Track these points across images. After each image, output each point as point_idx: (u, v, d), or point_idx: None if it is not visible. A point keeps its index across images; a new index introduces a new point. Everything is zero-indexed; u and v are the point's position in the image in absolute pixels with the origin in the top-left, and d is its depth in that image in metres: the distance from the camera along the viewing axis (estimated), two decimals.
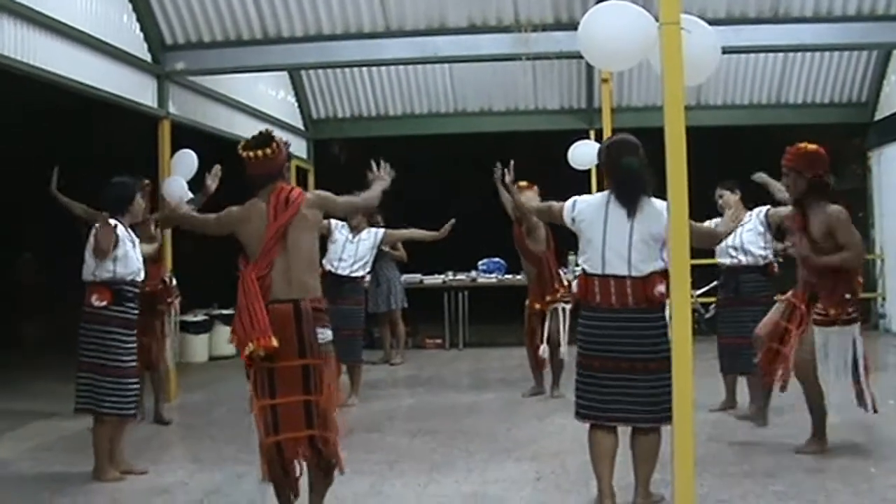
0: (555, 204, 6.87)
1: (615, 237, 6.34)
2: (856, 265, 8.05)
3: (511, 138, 18.57)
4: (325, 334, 6.31)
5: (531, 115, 18.91)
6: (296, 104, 18.89)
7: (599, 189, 12.17)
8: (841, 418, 9.01)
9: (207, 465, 7.99)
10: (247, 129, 15.32)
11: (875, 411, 8.05)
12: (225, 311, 16.37)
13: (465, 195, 18.90)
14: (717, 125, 17.86)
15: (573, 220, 6.58)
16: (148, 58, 12.84)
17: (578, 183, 15.61)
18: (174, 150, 12.00)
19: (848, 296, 7.87)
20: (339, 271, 11.25)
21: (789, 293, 8.23)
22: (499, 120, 18.98)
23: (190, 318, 15.05)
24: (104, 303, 7.86)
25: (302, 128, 19.11)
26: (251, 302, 6.10)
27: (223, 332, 16.29)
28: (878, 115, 18.20)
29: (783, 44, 14.02)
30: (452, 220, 11.80)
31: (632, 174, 6.38)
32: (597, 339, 6.40)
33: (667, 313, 6.36)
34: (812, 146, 8.12)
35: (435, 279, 17.69)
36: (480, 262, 17.59)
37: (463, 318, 16.44)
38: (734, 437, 8.64)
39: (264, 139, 6.42)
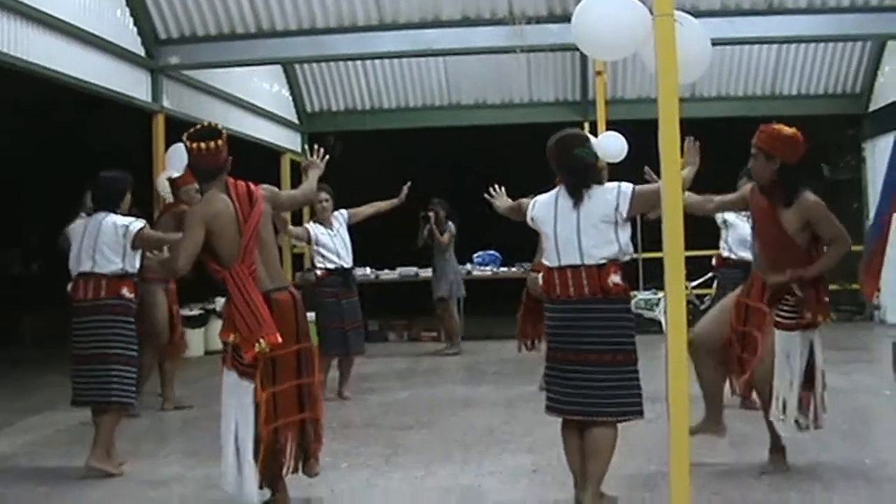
0: (523, 202, 7.00)
1: (565, 227, 6.35)
2: (844, 255, 7.27)
3: (506, 131, 18.59)
4: (310, 317, 6.52)
5: (525, 107, 18.94)
6: (290, 97, 18.91)
7: None
8: (836, 408, 9.04)
9: (204, 458, 7.96)
10: (241, 122, 15.41)
11: (817, 427, 7.14)
12: (220, 305, 16.35)
13: (460, 187, 18.90)
14: (712, 117, 17.87)
15: (532, 219, 6.63)
16: (142, 52, 12.85)
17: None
18: (168, 144, 12.00)
19: (826, 299, 7.25)
20: (346, 265, 11.29)
21: (738, 291, 7.46)
22: (493, 113, 18.99)
23: (185, 312, 15.03)
24: (132, 294, 8.01)
25: (296, 121, 19.11)
26: (251, 298, 6.15)
27: (218, 325, 16.29)
28: (873, 106, 18.24)
29: (777, 35, 14.09)
30: (409, 183, 11.78)
31: (581, 164, 6.42)
32: (557, 330, 6.41)
33: (632, 305, 6.43)
34: (789, 130, 7.17)
35: (430, 272, 17.66)
36: (476, 255, 17.60)
37: (459, 310, 16.43)
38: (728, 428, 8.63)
39: (212, 131, 6.42)
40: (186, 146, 6.42)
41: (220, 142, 6.37)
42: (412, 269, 17.73)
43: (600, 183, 6.44)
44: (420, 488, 7.09)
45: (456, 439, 8.80)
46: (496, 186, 8.05)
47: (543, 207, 6.54)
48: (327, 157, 7.44)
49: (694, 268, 14.32)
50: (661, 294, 15.20)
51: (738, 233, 9.86)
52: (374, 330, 17.50)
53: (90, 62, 11.42)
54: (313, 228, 11.17)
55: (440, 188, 18.04)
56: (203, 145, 6.32)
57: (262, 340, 6.06)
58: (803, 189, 7.04)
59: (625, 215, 6.26)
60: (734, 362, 7.19)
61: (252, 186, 6.50)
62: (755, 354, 6.97)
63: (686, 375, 4.85)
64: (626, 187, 6.34)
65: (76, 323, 7.95)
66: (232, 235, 6.27)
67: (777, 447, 7.21)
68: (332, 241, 11.23)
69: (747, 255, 9.27)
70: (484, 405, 10.55)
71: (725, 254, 10.24)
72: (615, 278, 6.23)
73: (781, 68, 18.44)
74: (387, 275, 17.84)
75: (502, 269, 17.36)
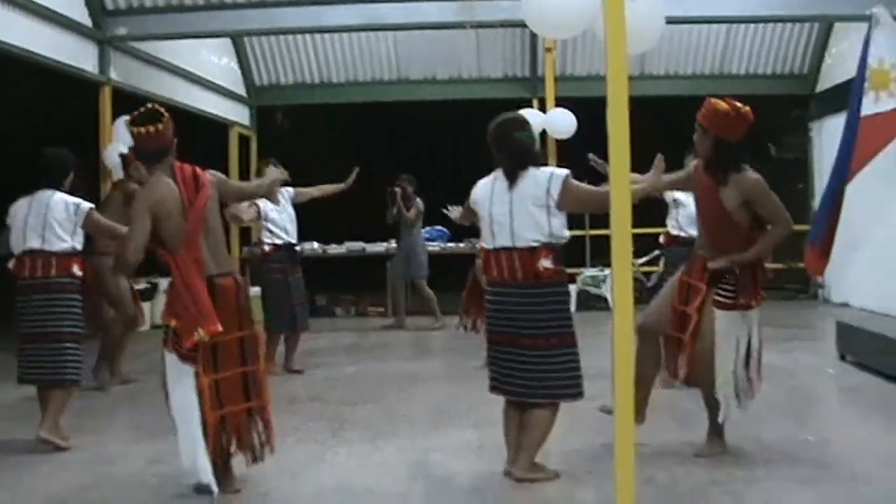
0: (469, 200, 6.92)
1: (499, 209, 6.43)
2: (786, 237, 7.12)
3: (454, 106, 18.58)
4: (255, 292, 6.34)
5: (474, 83, 18.93)
6: (238, 71, 18.79)
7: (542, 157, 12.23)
8: (779, 386, 9.14)
9: (149, 433, 7.92)
10: (189, 95, 15.30)
11: (751, 398, 7.01)
12: (166, 280, 16.26)
13: (409, 163, 18.89)
14: (660, 95, 17.94)
15: (473, 202, 6.71)
16: (89, 23, 12.70)
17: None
18: (115, 116, 11.90)
19: (762, 279, 7.07)
20: (293, 241, 11.27)
21: (681, 270, 7.34)
22: (442, 88, 18.96)
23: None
24: (81, 272, 8.01)
25: (245, 95, 19.00)
26: (193, 286, 6.15)
27: (164, 299, 16.21)
28: (820, 87, 18.39)
29: (726, 15, 14.14)
30: (356, 170, 11.77)
31: (520, 148, 6.49)
32: (494, 313, 6.52)
33: (571, 288, 6.51)
34: (725, 105, 6.95)
35: (377, 247, 17.67)
36: (423, 231, 17.59)
37: (405, 285, 16.41)
38: (671, 406, 8.69)
39: (154, 114, 6.37)
40: (130, 131, 6.40)
41: (161, 125, 6.32)
42: (359, 244, 17.74)
43: (537, 166, 6.49)
44: (367, 463, 7.10)
45: (403, 414, 8.81)
46: (448, 207, 8.09)
47: (481, 190, 6.62)
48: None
49: (641, 245, 14.39)
50: (607, 271, 15.27)
51: (687, 210, 9.69)
52: (322, 305, 17.49)
53: (36, 32, 11.28)
54: (263, 204, 11.11)
55: (391, 163, 18.04)
56: (145, 129, 6.29)
57: (200, 330, 6.06)
58: (742, 166, 6.91)
59: (556, 199, 6.32)
60: (672, 342, 7.09)
61: (199, 171, 6.45)
62: (692, 334, 6.91)
63: (632, 352, 4.88)
64: (560, 173, 6.40)
65: (23, 301, 7.90)
66: (177, 221, 6.23)
67: (715, 429, 7.09)
68: (280, 217, 11.19)
69: (696, 232, 9.23)
70: (431, 381, 10.57)
71: (675, 232, 10.22)
72: (546, 262, 6.31)
73: (730, 48, 18.54)
74: (334, 249, 17.81)
75: (450, 244, 17.37)
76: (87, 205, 8.01)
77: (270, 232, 11.13)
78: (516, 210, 6.37)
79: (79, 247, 8.01)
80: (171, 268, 6.22)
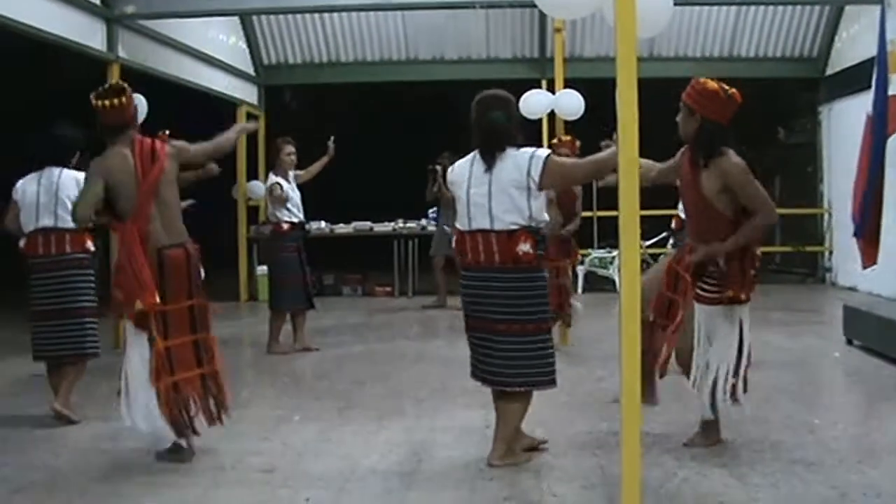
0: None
1: (477, 191, 6.31)
2: (769, 227, 6.97)
3: (463, 86, 18.56)
4: (202, 272, 6.68)
5: (483, 63, 18.88)
6: (247, 50, 18.75)
7: (550, 139, 12.20)
8: (786, 369, 9.14)
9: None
10: (197, 74, 15.26)
11: (734, 402, 6.73)
12: None
13: (415, 142, 18.89)
14: (670, 77, 17.87)
15: (451, 183, 6.59)
16: (97, 0, 12.67)
17: (529, 132, 15.62)
18: None
19: (754, 272, 6.67)
20: (303, 219, 11.31)
21: (671, 256, 7.25)
22: (451, 68, 18.92)
23: None
24: (94, 247, 8.19)
25: (253, 73, 18.97)
26: (135, 257, 6.41)
27: None
28: (830, 71, 18.32)
29: None
30: (332, 138, 11.75)
31: (495, 127, 6.35)
32: (469, 298, 6.46)
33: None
34: (714, 84, 6.68)
35: (385, 227, 17.71)
36: (430, 210, 17.56)
37: (412, 265, 16.42)
38: (678, 388, 8.68)
39: (116, 89, 6.71)
40: (93, 104, 6.63)
41: (123, 99, 6.62)
42: (367, 224, 17.75)
43: (516, 147, 6.37)
44: (373, 442, 7.10)
45: (409, 394, 8.82)
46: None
47: (459, 171, 6.50)
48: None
49: (649, 227, 14.39)
50: (615, 252, 15.26)
51: None
52: (329, 284, 17.51)
53: (44, 9, 11.25)
54: (280, 182, 11.13)
55: (399, 141, 18.06)
56: (107, 102, 6.58)
57: (138, 301, 6.35)
58: (724, 150, 6.55)
59: (537, 181, 6.23)
60: (657, 329, 6.81)
61: (158, 144, 6.69)
62: (675, 329, 6.61)
63: (638, 334, 4.87)
64: (541, 153, 6.29)
65: (37, 278, 7.96)
66: (129, 191, 6.51)
67: (707, 421, 6.84)
68: (294, 195, 11.23)
69: None
70: (437, 361, 10.58)
71: (684, 215, 10.04)
72: (525, 247, 6.20)
73: (740, 30, 18.48)
74: (342, 229, 17.82)
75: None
76: None
77: (288, 210, 11.15)
78: (495, 192, 6.25)
79: (90, 223, 8.01)
80: (119, 238, 6.52)
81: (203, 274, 6.74)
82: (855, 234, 9.96)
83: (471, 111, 6.52)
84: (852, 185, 10.16)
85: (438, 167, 14.98)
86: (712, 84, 6.70)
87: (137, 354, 6.56)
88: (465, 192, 6.36)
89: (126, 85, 6.78)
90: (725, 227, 6.56)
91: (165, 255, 6.50)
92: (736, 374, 6.69)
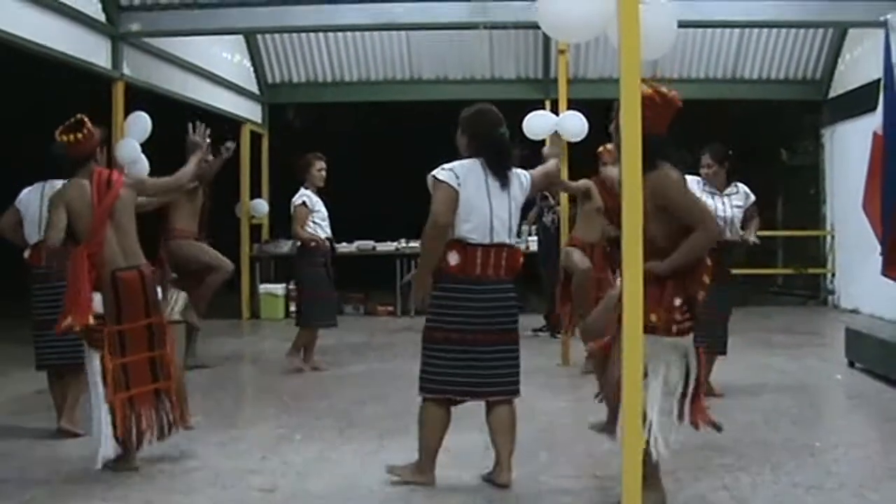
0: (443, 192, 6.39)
1: (499, 204, 6.36)
2: (710, 245, 5.91)
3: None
4: (159, 293, 7.06)
5: (487, 84, 18.89)
6: (251, 68, 18.79)
7: None
8: (787, 392, 9.12)
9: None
10: (201, 92, 15.28)
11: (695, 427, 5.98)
12: (175, 275, 16.27)
13: (418, 161, 18.92)
14: None
15: (459, 184, 6.32)
16: (102, 18, 12.71)
17: (531, 153, 15.62)
18: (127, 112, 11.92)
19: (679, 301, 5.79)
20: (330, 235, 11.29)
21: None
22: (454, 88, 18.93)
23: None
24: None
25: (257, 92, 19.01)
26: (79, 279, 6.73)
27: (174, 296, 16.22)
28: (832, 93, 18.34)
29: (740, 20, 14.10)
30: (228, 142, 11.67)
31: (508, 144, 6.50)
32: (480, 312, 6.37)
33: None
34: (648, 88, 5.83)
35: (387, 246, 17.73)
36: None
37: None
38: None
39: (76, 124, 6.97)
40: (58, 139, 7.01)
41: (81, 135, 6.94)
42: (369, 243, 17.78)
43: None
44: (372, 462, 7.09)
45: (409, 414, 8.76)
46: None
47: (473, 177, 6.35)
48: (207, 133, 8.00)
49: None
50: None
51: None
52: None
53: (50, 27, 11.28)
54: (309, 196, 11.10)
55: (401, 160, 18.03)
56: (69, 137, 6.93)
57: (70, 318, 6.69)
58: (659, 163, 5.81)
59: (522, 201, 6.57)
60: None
61: (115, 175, 7.07)
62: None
63: (640, 355, 4.87)
64: (528, 175, 6.63)
65: (40, 288, 8.03)
66: (86, 218, 6.84)
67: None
68: (322, 210, 11.23)
69: None
70: None
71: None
72: (520, 260, 6.52)
73: (743, 52, 18.50)
74: (344, 248, 17.82)
75: None
76: None
77: (318, 225, 11.13)
78: (514, 209, 6.45)
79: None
80: (70, 260, 6.86)
81: (161, 293, 7.19)
82: (881, 251, 10.01)
83: (469, 121, 6.59)
84: (861, 202, 10.19)
85: (548, 193, 14.98)
86: (643, 89, 5.69)
87: (92, 370, 6.95)
88: (488, 204, 6.33)
89: (86, 119, 7.04)
90: (662, 248, 5.78)
91: (119, 278, 6.80)
92: (681, 410, 5.89)
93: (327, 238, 11.23)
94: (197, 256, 11.44)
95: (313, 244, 11.05)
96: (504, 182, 6.39)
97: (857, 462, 7.16)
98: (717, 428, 6.06)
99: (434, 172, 6.38)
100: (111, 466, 6.85)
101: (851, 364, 10.88)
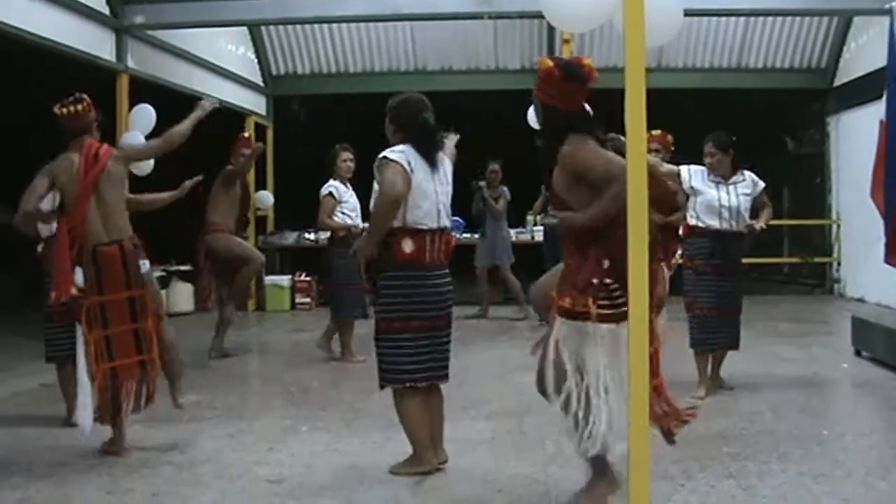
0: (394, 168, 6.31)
1: (441, 189, 6.41)
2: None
3: (471, 97, 18.54)
4: (145, 265, 7.14)
5: (492, 74, 18.91)
6: (255, 60, 18.79)
7: None
8: (794, 380, 9.10)
9: (163, 421, 7.94)
10: (206, 84, 15.27)
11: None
12: (182, 268, 16.31)
13: None
14: (678, 87, 17.88)
15: (412, 170, 6.29)
16: (106, 11, 12.71)
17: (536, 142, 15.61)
18: (132, 104, 11.92)
19: (597, 281, 5.35)
20: (359, 225, 11.22)
21: None
22: (459, 79, 18.92)
23: None
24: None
25: (261, 84, 19.00)
26: (59, 253, 7.02)
27: (180, 288, 16.26)
28: (838, 82, 18.31)
29: (745, 8, 14.07)
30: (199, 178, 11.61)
31: (433, 128, 6.47)
32: (434, 297, 6.41)
33: None
34: (549, 62, 5.58)
35: None
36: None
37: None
38: (686, 399, 8.68)
39: (77, 100, 7.21)
40: (56, 111, 7.20)
41: (79, 107, 7.16)
42: None
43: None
44: (380, 453, 7.09)
45: None
46: None
47: (418, 163, 6.35)
48: (217, 104, 8.02)
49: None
50: None
51: (704, 199, 9.00)
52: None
53: (53, 20, 11.29)
54: (336, 187, 11.07)
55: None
56: (66, 109, 7.15)
57: (53, 293, 7.02)
58: (569, 137, 5.54)
59: None
60: None
61: (103, 148, 7.18)
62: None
63: (646, 346, 4.85)
64: (449, 162, 6.64)
65: (50, 282, 7.97)
66: (72, 191, 7.03)
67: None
68: (352, 200, 11.18)
69: (715, 222, 8.88)
70: None
71: (693, 222, 9.11)
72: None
73: (748, 41, 18.46)
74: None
75: (465, 235, 17.13)
76: None
77: (345, 215, 11.09)
78: (449, 192, 6.52)
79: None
80: (56, 234, 7.17)
81: (146, 267, 7.17)
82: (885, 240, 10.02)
83: (396, 110, 6.58)
84: (869, 190, 10.18)
85: (482, 183, 14.93)
86: (547, 62, 5.63)
87: (79, 345, 7.18)
88: (433, 189, 6.36)
89: (86, 97, 7.26)
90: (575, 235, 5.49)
91: (99, 252, 6.98)
92: (587, 421, 5.42)
93: (355, 227, 11.16)
94: (231, 249, 11.72)
95: (343, 233, 11.00)
96: (435, 165, 6.41)
97: (864, 451, 7.15)
98: (669, 439, 5.71)
99: (383, 154, 6.35)
100: (103, 449, 7.14)
101: (858, 353, 10.87)
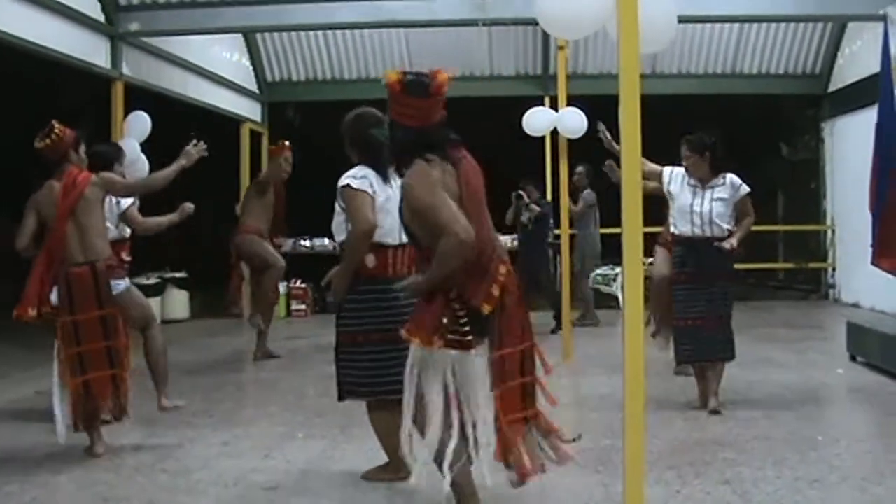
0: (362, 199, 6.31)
1: (395, 206, 5.99)
2: (462, 252, 4.97)
3: (466, 104, 18.55)
4: (118, 286, 7.46)
5: (487, 80, 18.93)
6: (250, 67, 18.78)
7: (553, 155, 12.18)
8: (789, 386, 9.10)
9: (160, 428, 7.96)
10: (201, 91, 15.28)
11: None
12: (177, 275, 16.32)
13: None
14: (672, 94, 17.91)
15: (374, 192, 6.34)
16: (101, 18, 12.71)
17: (531, 149, 15.63)
18: (127, 111, 11.92)
19: (446, 320, 5.16)
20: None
21: None
22: (454, 85, 18.76)
23: (143, 280, 14.91)
24: (129, 257, 8.92)
25: (256, 90, 19.00)
26: (34, 272, 7.33)
27: (175, 295, 16.25)
28: (832, 87, 18.35)
29: (739, 14, 14.10)
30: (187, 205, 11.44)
31: (379, 143, 6.29)
32: (392, 310, 6.30)
33: (589, 280, 6.44)
34: (394, 75, 5.34)
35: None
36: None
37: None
38: (682, 405, 8.69)
39: (48, 131, 7.42)
40: (35, 146, 7.44)
41: (49, 140, 7.39)
42: None
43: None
44: (375, 460, 7.08)
45: None
46: None
47: (377, 181, 6.39)
48: (204, 149, 7.92)
49: (651, 244, 14.37)
50: (618, 269, 15.23)
51: (678, 204, 8.61)
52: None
53: (49, 27, 11.29)
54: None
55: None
56: (41, 143, 7.40)
57: (16, 310, 7.31)
58: (419, 158, 5.26)
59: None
60: None
61: (82, 177, 7.42)
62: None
63: (642, 350, 4.86)
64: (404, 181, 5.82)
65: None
66: (52, 218, 7.31)
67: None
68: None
69: (687, 229, 8.49)
70: None
71: (672, 229, 8.85)
72: None
73: (742, 47, 18.50)
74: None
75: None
76: (126, 201, 8.55)
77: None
78: (402, 209, 6.16)
79: (126, 234, 8.79)
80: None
81: (119, 287, 7.44)
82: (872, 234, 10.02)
83: (347, 127, 6.62)
84: (868, 190, 10.19)
85: (523, 193, 14.84)
86: (391, 75, 5.35)
87: (54, 356, 7.37)
88: (394, 207, 6.12)
89: (55, 123, 7.45)
90: (430, 256, 5.23)
91: (70, 273, 7.25)
92: (440, 454, 5.50)
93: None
94: (258, 252, 11.98)
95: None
96: (387, 181, 6.39)
97: (859, 456, 7.16)
98: (515, 483, 5.51)
99: (346, 182, 6.32)
100: (86, 452, 7.34)
101: (853, 358, 10.88)
